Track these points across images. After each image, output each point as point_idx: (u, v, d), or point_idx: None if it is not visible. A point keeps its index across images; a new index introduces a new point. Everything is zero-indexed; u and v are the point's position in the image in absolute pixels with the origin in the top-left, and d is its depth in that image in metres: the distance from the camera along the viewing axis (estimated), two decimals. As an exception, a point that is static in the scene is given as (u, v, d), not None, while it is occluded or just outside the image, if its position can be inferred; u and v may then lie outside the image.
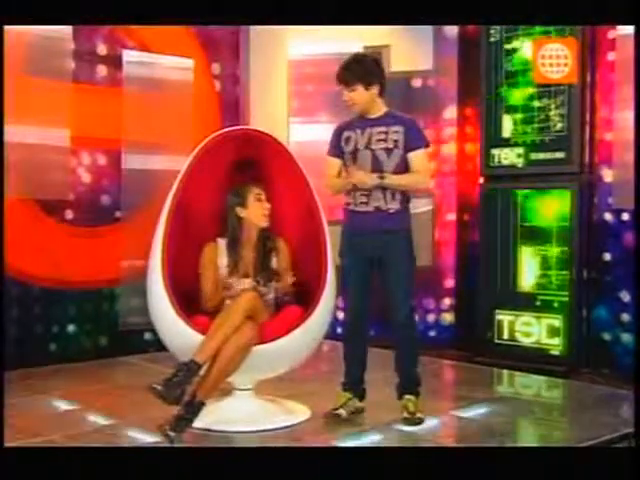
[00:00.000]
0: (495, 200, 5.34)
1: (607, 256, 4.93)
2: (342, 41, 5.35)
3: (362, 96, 3.63)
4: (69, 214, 5.03)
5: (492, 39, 5.33)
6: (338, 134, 3.76)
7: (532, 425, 3.99)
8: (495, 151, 5.34)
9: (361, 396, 3.84)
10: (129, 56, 5.26)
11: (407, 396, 3.72)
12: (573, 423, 3.98)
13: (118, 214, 5.25)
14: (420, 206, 5.40)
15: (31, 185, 4.84)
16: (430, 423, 3.70)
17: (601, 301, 4.96)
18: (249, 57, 5.92)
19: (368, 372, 3.85)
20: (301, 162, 3.87)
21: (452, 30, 5.62)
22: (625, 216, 4.80)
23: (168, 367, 3.46)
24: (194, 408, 3.35)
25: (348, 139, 3.70)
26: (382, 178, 3.58)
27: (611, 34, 4.87)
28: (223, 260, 3.75)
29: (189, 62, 5.52)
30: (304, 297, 3.73)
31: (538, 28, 5.07)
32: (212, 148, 3.82)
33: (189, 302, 3.65)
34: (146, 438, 3.48)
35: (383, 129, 3.64)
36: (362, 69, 3.64)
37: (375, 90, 3.65)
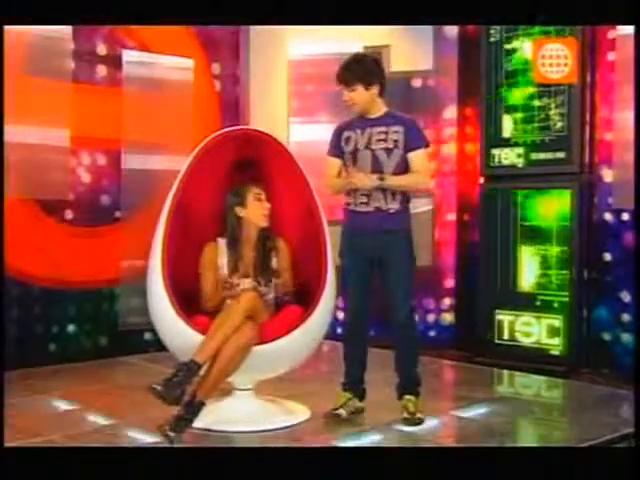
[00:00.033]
0: (495, 200, 5.34)
1: (607, 256, 4.92)
2: (342, 41, 5.35)
3: (362, 96, 3.63)
4: (69, 214, 5.03)
5: (492, 39, 5.32)
6: (338, 134, 3.75)
7: (532, 425, 3.99)
8: (495, 151, 5.34)
9: (361, 396, 3.84)
10: (129, 56, 5.26)
11: (407, 396, 3.72)
12: (573, 423, 3.98)
13: (118, 214, 5.24)
14: (420, 206, 5.40)
15: (31, 185, 4.84)
16: (430, 423, 3.70)
17: (601, 301, 4.96)
18: (249, 57, 5.92)
19: (368, 372, 3.85)
20: (301, 162, 3.87)
21: (452, 30, 5.62)
22: (625, 216, 4.80)
23: (168, 367, 3.46)
24: (194, 408, 3.35)
25: (348, 139, 3.70)
26: (382, 179, 3.58)
27: (611, 34, 4.87)
28: (223, 260, 3.75)
29: (189, 62, 5.52)
30: (304, 297, 3.73)
31: (538, 28, 5.07)
32: (212, 148, 3.82)
33: (189, 302, 3.64)
34: (146, 438, 3.48)
35: (383, 129, 3.64)
36: (362, 69, 3.64)
37: (375, 90, 3.65)
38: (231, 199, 3.75)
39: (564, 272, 5.02)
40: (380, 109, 3.70)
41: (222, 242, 3.78)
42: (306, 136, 5.70)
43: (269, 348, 3.50)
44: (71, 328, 5.07)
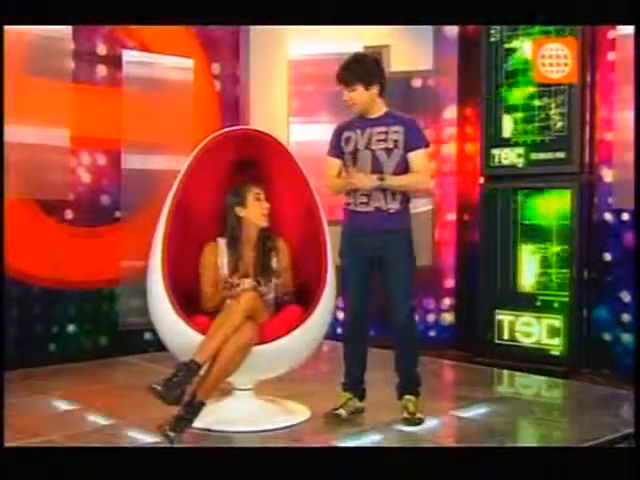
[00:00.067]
0: (495, 200, 5.34)
1: (607, 256, 4.92)
2: (342, 41, 5.34)
3: (362, 96, 3.63)
4: (69, 214, 5.03)
5: (492, 39, 5.32)
6: (338, 134, 3.75)
7: (532, 425, 3.99)
8: (495, 151, 5.33)
9: (361, 396, 3.84)
10: (129, 56, 5.26)
11: (407, 396, 3.72)
12: (573, 423, 3.98)
13: (118, 214, 5.24)
14: (420, 206, 5.40)
15: (31, 185, 4.84)
16: (430, 423, 3.70)
17: (601, 301, 4.96)
18: (249, 57, 5.92)
19: (368, 372, 3.85)
20: (301, 162, 3.87)
21: (452, 30, 5.62)
22: (625, 216, 4.80)
23: (168, 367, 3.46)
24: (194, 408, 3.35)
25: (348, 139, 3.70)
26: (382, 180, 3.58)
27: (611, 34, 4.87)
28: (223, 260, 3.75)
29: (189, 62, 5.52)
30: (304, 297, 3.73)
31: (538, 28, 5.07)
32: (212, 148, 3.82)
33: (189, 302, 3.64)
34: (146, 438, 3.48)
35: (383, 129, 3.64)
36: (362, 69, 3.64)
37: (375, 90, 3.65)
38: (231, 199, 3.75)
39: (564, 271, 5.02)
40: (380, 109, 3.70)
41: (222, 242, 3.77)
42: (306, 136, 5.70)
43: (269, 348, 3.50)
44: (71, 328, 5.07)
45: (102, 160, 5.19)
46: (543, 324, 5.11)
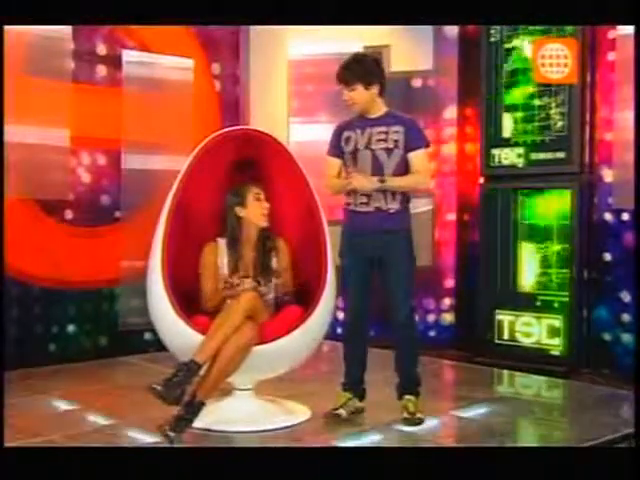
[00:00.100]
0: (495, 200, 5.34)
1: (607, 256, 4.92)
2: (342, 41, 5.34)
3: (362, 96, 3.63)
4: (69, 214, 5.03)
5: (492, 39, 5.33)
6: (338, 134, 3.75)
7: (532, 425, 3.99)
8: (495, 151, 5.34)
9: (361, 396, 3.84)
10: (129, 56, 5.26)
11: (407, 396, 3.72)
12: (573, 423, 3.98)
13: (118, 214, 5.24)
14: (420, 206, 5.40)
15: (31, 185, 4.84)
16: (430, 423, 3.70)
17: (601, 301, 4.96)
18: (249, 57, 5.92)
19: (368, 372, 3.85)
20: (301, 162, 3.87)
21: (452, 30, 5.62)
22: (625, 216, 4.80)
23: (168, 367, 3.46)
24: (194, 408, 3.34)
25: (348, 139, 3.70)
26: (382, 181, 3.58)
27: (611, 34, 4.87)
28: (223, 260, 3.75)
29: (189, 62, 5.52)
30: (304, 297, 3.73)
31: (538, 28, 5.07)
32: (212, 148, 3.82)
33: (189, 302, 3.64)
34: (146, 438, 3.48)
35: (383, 129, 3.64)
36: (362, 69, 3.64)
37: (375, 90, 3.65)
38: (231, 199, 3.75)
39: (564, 271, 5.03)
40: (380, 109, 3.70)
41: (222, 242, 3.77)
42: (306, 136, 5.70)
43: (269, 348, 3.50)
44: (71, 328, 5.07)
45: (102, 160, 5.19)
46: (543, 324, 5.11)
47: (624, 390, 4.28)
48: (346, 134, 3.71)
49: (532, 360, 5.02)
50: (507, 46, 5.27)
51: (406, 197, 3.71)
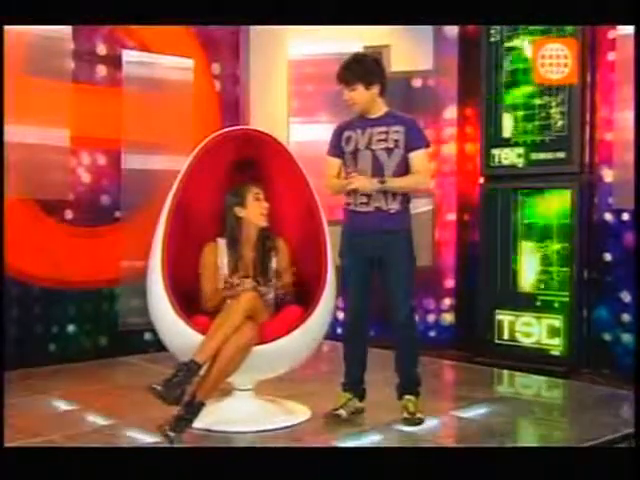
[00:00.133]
0: (495, 200, 5.34)
1: (607, 256, 4.92)
2: (342, 41, 5.34)
3: (362, 96, 3.63)
4: (69, 214, 5.03)
5: (492, 39, 5.33)
6: (338, 134, 3.75)
7: (532, 425, 3.99)
8: (495, 151, 5.34)
9: (361, 396, 3.84)
10: (129, 56, 5.26)
11: (407, 396, 3.72)
12: (573, 423, 3.98)
13: (118, 214, 5.24)
14: (420, 206, 5.40)
15: (31, 185, 4.84)
16: (430, 423, 3.70)
17: (601, 301, 4.96)
18: (249, 57, 5.92)
19: (368, 372, 3.85)
20: (301, 162, 3.87)
21: (452, 30, 5.62)
22: (625, 216, 4.80)
23: (168, 367, 3.46)
24: (194, 408, 3.34)
25: (348, 139, 3.70)
26: (383, 182, 3.58)
27: (611, 34, 4.87)
28: (223, 260, 3.75)
29: (189, 62, 5.52)
30: (304, 297, 3.73)
31: (538, 28, 5.07)
32: (212, 148, 3.82)
33: (189, 302, 3.64)
34: (146, 438, 3.47)
35: (384, 129, 3.64)
36: (362, 69, 3.64)
37: (375, 90, 3.65)
38: (230, 199, 3.75)
39: (564, 270, 5.02)
40: (380, 109, 3.70)
41: (222, 242, 3.77)
42: (306, 136, 5.70)
43: (269, 348, 3.50)
44: (71, 328, 5.07)
45: (102, 160, 5.19)
46: (543, 324, 5.11)
47: (624, 390, 4.28)
48: (346, 134, 3.71)
49: (532, 360, 5.02)
50: (507, 46, 5.27)
51: (406, 197, 3.71)
